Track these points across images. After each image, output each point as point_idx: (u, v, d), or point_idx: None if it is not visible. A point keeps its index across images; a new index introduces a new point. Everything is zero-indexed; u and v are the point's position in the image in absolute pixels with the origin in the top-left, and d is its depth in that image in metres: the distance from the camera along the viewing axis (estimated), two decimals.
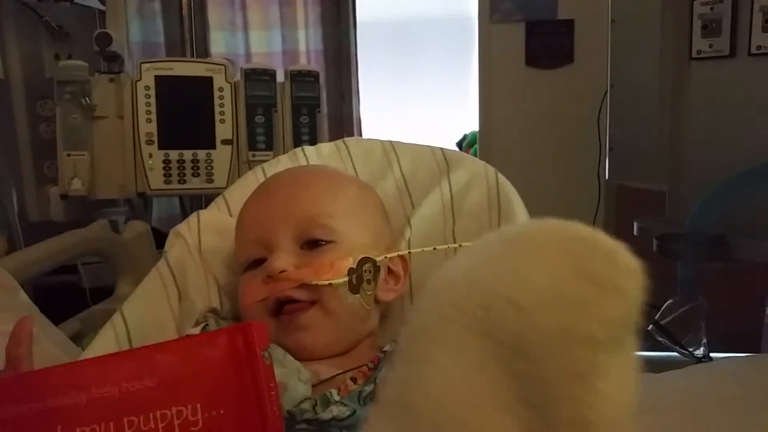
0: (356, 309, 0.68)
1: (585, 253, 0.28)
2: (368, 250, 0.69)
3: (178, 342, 0.56)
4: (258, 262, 0.69)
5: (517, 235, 0.32)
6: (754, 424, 0.80)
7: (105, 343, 0.70)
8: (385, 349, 0.64)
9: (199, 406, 0.46)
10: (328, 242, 0.68)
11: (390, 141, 0.93)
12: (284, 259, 0.66)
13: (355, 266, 0.67)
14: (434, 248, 0.74)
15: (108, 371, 0.48)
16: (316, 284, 0.65)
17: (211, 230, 0.81)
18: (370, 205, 0.76)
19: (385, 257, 0.71)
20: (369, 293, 0.69)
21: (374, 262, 0.69)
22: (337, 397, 0.58)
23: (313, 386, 0.61)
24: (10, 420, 0.48)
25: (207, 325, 0.69)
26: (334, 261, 0.66)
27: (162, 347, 0.52)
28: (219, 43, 2.60)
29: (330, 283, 0.65)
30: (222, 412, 0.46)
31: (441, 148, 0.90)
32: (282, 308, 0.66)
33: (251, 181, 0.88)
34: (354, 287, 0.67)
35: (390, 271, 0.73)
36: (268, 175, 0.88)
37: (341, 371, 0.63)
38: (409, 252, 0.74)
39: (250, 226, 0.72)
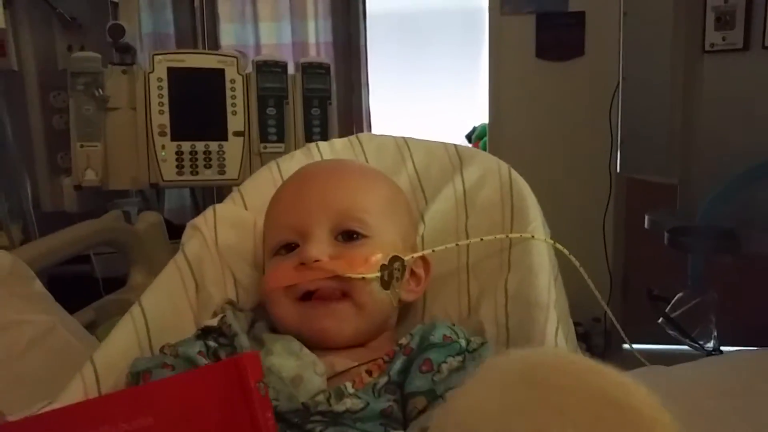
0: (384, 305, 0.69)
1: (616, 422, 0.29)
2: (397, 248, 0.70)
3: (172, 379, 0.55)
4: (288, 247, 0.70)
5: (541, 382, 0.32)
6: (764, 416, 0.81)
7: (124, 333, 0.70)
8: (400, 342, 0.64)
9: None
10: (363, 236, 0.69)
11: (403, 137, 0.93)
12: (320, 249, 0.67)
13: (386, 263, 0.68)
14: (456, 244, 0.75)
15: (103, 413, 0.47)
16: (349, 277, 0.66)
17: (227, 224, 0.82)
18: (401, 204, 0.78)
19: (413, 257, 0.72)
20: (397, 291, 0.70)
21: (403, 261, 0.70)
22: (351, 390, 0.59)
23: (328, 379, 0.62)
24: None
25: (225, 315, 0.69)
26: (368, 256, 0.67)
27: (155, 385, 0.53)
28: (229, 34, 2.61)
29: (363, 277, 0.66)
30: None
31: (454, 144, 0.90)
32: (310, 297, 0.67)
33: (266, 176, 0.89)
34: (385, 283, 0.68)
35: (412, 272, 0.74)
36: (283, 170, 0.88)
37: (356, 364, 0.64)
38: (433, 250, 0.74)
39: (285, 211, 0.72)
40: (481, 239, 0.74)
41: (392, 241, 0.71)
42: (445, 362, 0.60)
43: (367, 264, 0.67)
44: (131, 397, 0.50)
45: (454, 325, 0.66)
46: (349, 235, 0.69)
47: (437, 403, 0.57)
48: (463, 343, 0.62)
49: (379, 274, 0.67)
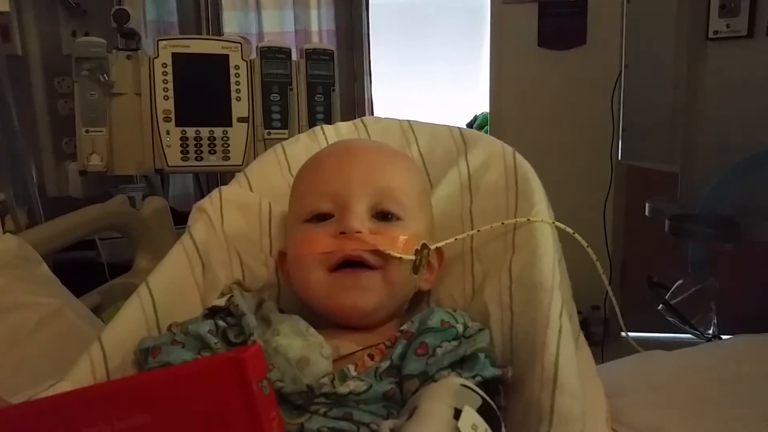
0: (407, 289, 0.71)
1: None
2: (424, 235, 0.72)
3: (170, 373, 0.51)
4: (320, 217, 0.70)
5: None
6: (760, 401, 0.82)
7: (131, 313, 0.70)
8: (402, 328, 0.64)
9: None
10: (398, 219, 0.70)
11: (408, 120, 0.94)
12: (362, 221, 0.68)
13: (419, 248, 0.69)
14: (478, 230, 0.76)
15: (98, 406, 0.45)
16: (389, 254, 0.67)
17: (232, 206, 0.82)
18: (428, 193, 0.80)
19: (436, 246, 0.73)
20: (420, 277, 0.72)
21: (429, 249, 0.71)
22: (354, 373, 0.60)
23: (333, 361, 0.62)
24: None
25: (232, 296, 0.70)
26: (406, 237, 0.69)
27: (153, 378, 0.50)
28: (232, 22, 2.61)
29: (401, 257, 0.67)
30: None
31: (458, 128, 0.90)
32: (343, 267, 0.68)
33: (271, 159, 0.90)
34: (415, 267, 0.70)
35: (428, 261, 0.74)
36: (288, 153, 0.89)
37: (360, 348, 0.65)
38: (456, 239, 0.75)
39: (327, 179, 0.72)
40: (502, 223, 0.74)
41: (421, 229, 0.72)
42: (440, 346, 0.61)
43: (405, 245, 0.68)
44: (127, 389, 0.48)
45: (455, 311, 0.66)
46: (384, 215, 0.70)
47: (427, 383, 0.58)
48: (460, 328, 0.62)
49: (414, 257, 0.69)
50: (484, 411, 0.51)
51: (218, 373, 0.44)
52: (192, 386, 0.45)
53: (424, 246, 0.70)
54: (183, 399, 0.44)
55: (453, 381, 0.55)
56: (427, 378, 0.58)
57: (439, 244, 0.74)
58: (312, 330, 0.64)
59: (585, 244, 0.75)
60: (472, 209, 0.81)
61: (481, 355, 0.59)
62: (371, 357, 0.63)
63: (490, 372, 0.58)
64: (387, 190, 0.70)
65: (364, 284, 0.67)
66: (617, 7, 1.81)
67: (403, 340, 0.62)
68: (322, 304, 0.68)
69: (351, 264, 0.67)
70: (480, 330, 0.63)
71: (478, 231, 0.76)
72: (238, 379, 0.43)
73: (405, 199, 0.71)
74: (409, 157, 0.82)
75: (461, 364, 0.59)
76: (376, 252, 0.67)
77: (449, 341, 0.61)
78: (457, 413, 0.49)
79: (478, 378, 0.57)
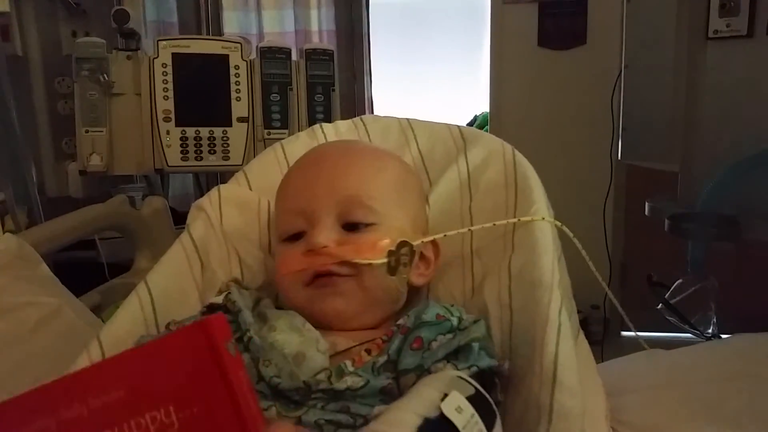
0: (390, 291, 0.70)
1: None
2: (406, 233, 0.70)
3: (139, 348, 0.54)
4: (297, 236, 0.70)
5: None
6: (762, 400, 0.81)
7: (130, 311, 0.71)
8: (398, 322, 0.64)
9: (171, 408, 0.44)
10: (369, 225, 0.69)
11: (407, 118, 0.93)
12: (326, 235, 0.67)
13: (394, 249, 0.68)
14: (469, 229, 0.75)
15: (73, 389, 0.46)
16: (357, 262, 0.66)
17: (231, 204, 0.82)
18: (412, 186, 0.78)
19: (422, 242, 0.72)
20: (404, 276, 0.70)
21: (411, 246, 0.70)
22: (351, 368, 0.59)
23: (330, 357, 0.62)
24: None
25: (230, 293, 0.70)
26: (376, 241, 0.68)
27: (124, 356, 0.51)
28: (232, 23, 2.61)
29: (370, 263, 0.67)
30: (195, 410, 0.44)
31: (458, 126, 0.90)
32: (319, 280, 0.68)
33: (270, 157, 0.89)
34: (392, 269, 0.68)
35: (422, 255, 0.74)
36: (287, 151, 0.89)
37: (357, 343, 0.65)
38: (445, 235, 0.74)
39: (294, 196, 0.73)
40: (494, 224, 0.73)
41: (401, 226, 0.71)
42: (435, 340, 0.61)
43: (374, 249, 0.67)
44: (103, 370, 0.49)
45: (452, 306, 0.66)
46: (355, 225, 0.69)
47: (423, 376, 0.58)
48: (455, 321, 0.62)
49: (386, 260, 0.67)
50: (475, 400, 0.51)
51: (185, 338, 0.46)
52: (164, 356, 0.46)
53: (402, 244, 0.69)
54: (154, 370, 0.45)
55: (448, 373, 0.55)
56: (423, 371, 0.58)
57: (425, 239, 0.72)
58: (308, 325, 0.64)
59: (571, 234, 0.75)
60: (471, 207, 0.81)
61: (476, 346, 0.59)
62: (368, 352, 0.63)
63: (485, 362, 0.58)
64: (353, 199, 0.69)
65: (341, 289, 0.67)
66: (617, 7, 1.82)
67: (399, 334, 0.62)
68: (309, 313, 0.68)
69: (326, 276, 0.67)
70: (475, 321, 0.63)
71: (469, 230, 0.75)
72: (205, 340, 0.44)
73: (375, 203, 0.70)
74: (385, 153, 0.80)
75: (456, 355, 0.59)
76: (345, 263, 0.67)
77: (444, 334, 0.61)
78: (445, 397, 0.49)
79: (474, 368, 0.57)
